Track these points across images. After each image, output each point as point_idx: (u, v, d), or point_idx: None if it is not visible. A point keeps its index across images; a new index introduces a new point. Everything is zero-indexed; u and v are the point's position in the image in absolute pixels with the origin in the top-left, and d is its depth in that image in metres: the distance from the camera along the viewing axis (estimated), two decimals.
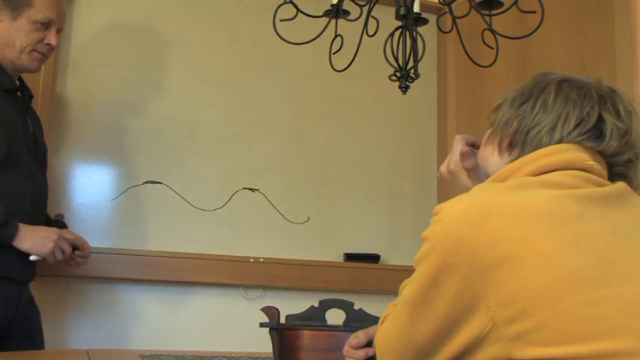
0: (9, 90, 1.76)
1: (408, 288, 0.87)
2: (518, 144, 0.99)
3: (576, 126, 0.95)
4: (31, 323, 1.84)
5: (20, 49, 1.75)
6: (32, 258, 1.71)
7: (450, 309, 0.81)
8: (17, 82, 1.83)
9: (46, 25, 1.77)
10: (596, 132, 0.95)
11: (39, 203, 1.82)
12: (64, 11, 1.85)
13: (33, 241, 1.69)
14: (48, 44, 1.79)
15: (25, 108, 1.85)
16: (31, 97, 1.92)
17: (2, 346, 1.72)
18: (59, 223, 1.94)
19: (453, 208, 0.84)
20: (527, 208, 0.81)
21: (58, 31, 1.83)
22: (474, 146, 1.12)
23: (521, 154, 0.98)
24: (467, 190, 1.04)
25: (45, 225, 1.82)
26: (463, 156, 1.10)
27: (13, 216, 1.67)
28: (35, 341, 1.83)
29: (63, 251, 1.75)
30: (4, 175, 1.68)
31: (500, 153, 1.03)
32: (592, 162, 0.93)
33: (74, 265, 1.85)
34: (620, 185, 0.92)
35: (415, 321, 0.85)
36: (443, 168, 1.13)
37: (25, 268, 1.75)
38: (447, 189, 1.14)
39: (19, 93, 1.83)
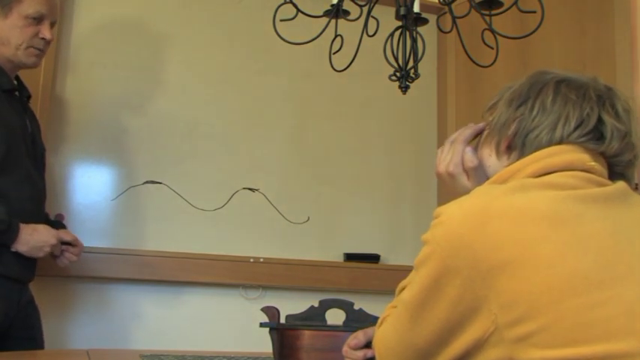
0: (7, 90, 1.75)
1: (409, 291, 0.87)
2: (517, 146, 0.98)
3: (576, 127, 0.94)
4: (32, 323, 1.84)
5: (16, 46, 1.74)
6: None
7: (451, 312, 0.81)
8: (15, 82, 1.82)
9: (38, 20, 1.75)
10: (597, 134, 0.94)
11: (38, 204, 1.82)
12: (55, 3, 1.82)
13: (30, 245, 1.71)
14: (43, 38, 1.77)
15: (24, 108, 1.84)
16: (29, 97, 1.90)
17: (3, 345, 1.73)
18: (58, 224, 1.94)
19: (453, 211, 0.83)
20: (528, 210, 0.81)
21: (52, 25, 1.80)
22: (478, 134, 1.10)
23: (521, 156, 0.96)
24: (466, 191, 1.03)
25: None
26: (467, 157, 1.07)
27: (13, 217, 1.67)
28: (35, 341, 1.84)
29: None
30: (3, 177, 1.67)
31: (499, 155, 1.02)
32: (593, 163, 0.92)
33: (63, 260, 1.84)
34: (621, 185, 0.92)
35: (416, 324, 0.85)
36: (441, 169, 1.10)
37: (25, 268, 1.75)
38: (446, 189, 1.13)
39: (17, 93, 1.82)
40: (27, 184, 1.75)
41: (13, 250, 1.68)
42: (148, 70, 2.41)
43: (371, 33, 1.67)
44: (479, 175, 1.06)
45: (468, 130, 1.10)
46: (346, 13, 1.65)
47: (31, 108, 1.93)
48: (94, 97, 2.33)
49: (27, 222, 1.72)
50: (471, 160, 1.06)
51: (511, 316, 0.77)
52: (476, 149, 1.09)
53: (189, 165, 2.41)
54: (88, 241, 2.07)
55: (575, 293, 0.76)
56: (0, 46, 1.73)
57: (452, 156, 1.09)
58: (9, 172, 1.69)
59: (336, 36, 1.68)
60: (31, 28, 1.74)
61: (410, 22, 1.61)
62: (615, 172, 0.97)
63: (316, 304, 1.35)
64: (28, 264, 1.77)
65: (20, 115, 1.79)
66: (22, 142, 1.74)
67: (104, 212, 2.26)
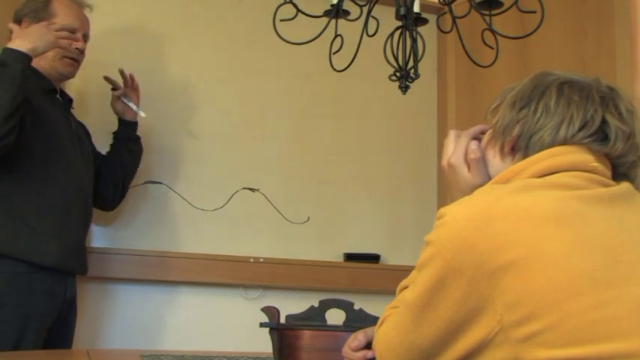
0: (49, 91, 1.90)
1: (411, 291, 0.87)
2: (521, 149, 0.97)
3: (581, 128, 0.94)
4: (70, 322, 1.91)
5: (52, 57, 1.87)
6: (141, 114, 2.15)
7: (455, 313, 0.81)
8: (57, 89, 1.96)
9: (71, 32, 1.89)
10: (601, 135, 0.94)
11: (82, 191, 1.91)
12: (85, 18, 1.99)
13: (30, 36, 1.70)
14: (77, 48, 1.91)
15: (67, 110, 2.00)
16: (70, 100, 2.05)
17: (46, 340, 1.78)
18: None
19: (457, 212, 0.83)
20: (533, 210, 0.81)
21: (84, 37, 1.96)
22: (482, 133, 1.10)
23: (525, 158, 0.96)
24: (466, 183, 1.04)
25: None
26: (470, 148, 1.07)
27: (58, 201, 1.79)
28: (67, 342, 1.90)
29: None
30: (47, 168, 1.79)
31: (503, 157, 1.02)
32: (596, 164, 0.92)
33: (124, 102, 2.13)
34: (626, 185, 0.92)
35: (419, 325, 0.85)
36: (443, 161, 1.11)
37: (69, 255, 1.81)
38: (447, 182, 1.13)
39: (59, 96, 1.96)
40: (72, 171, 1.86)
41: (21, 49, 1.65)
42: (148, 71, 2.40)
43: (371, 33, 1.67)
44: (481, 168, 1.05)
45: (476, 127, 1.10)
46: (346, 13, 1.65)
47: (74, 114, 2.06)
48: (94, 98, 2.33)
49: (71, 210, 1.83)
50: (474, 151, 1.06)
51: (516, 315, 0.77)
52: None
53: (189, 165, 2.41)
54: (87, 241, 2.07)
55: (581, 293, 0.76)
56: (39, 59, 1.83)
57: (456, 147, 1.09)
58: (52, 158, 1.80)
59: (336, 36, 1.68)
60: (65, 40, 1.87)
61: (410, 22, 1.61)
62: (619, 173, 0.97)
63: (316, 304, 1.35)
64: (72, 254, 1.82)
65: (63, 114, 1.94)
66: (65, 135, 1.89)
67: (104, 212, 2.25)
